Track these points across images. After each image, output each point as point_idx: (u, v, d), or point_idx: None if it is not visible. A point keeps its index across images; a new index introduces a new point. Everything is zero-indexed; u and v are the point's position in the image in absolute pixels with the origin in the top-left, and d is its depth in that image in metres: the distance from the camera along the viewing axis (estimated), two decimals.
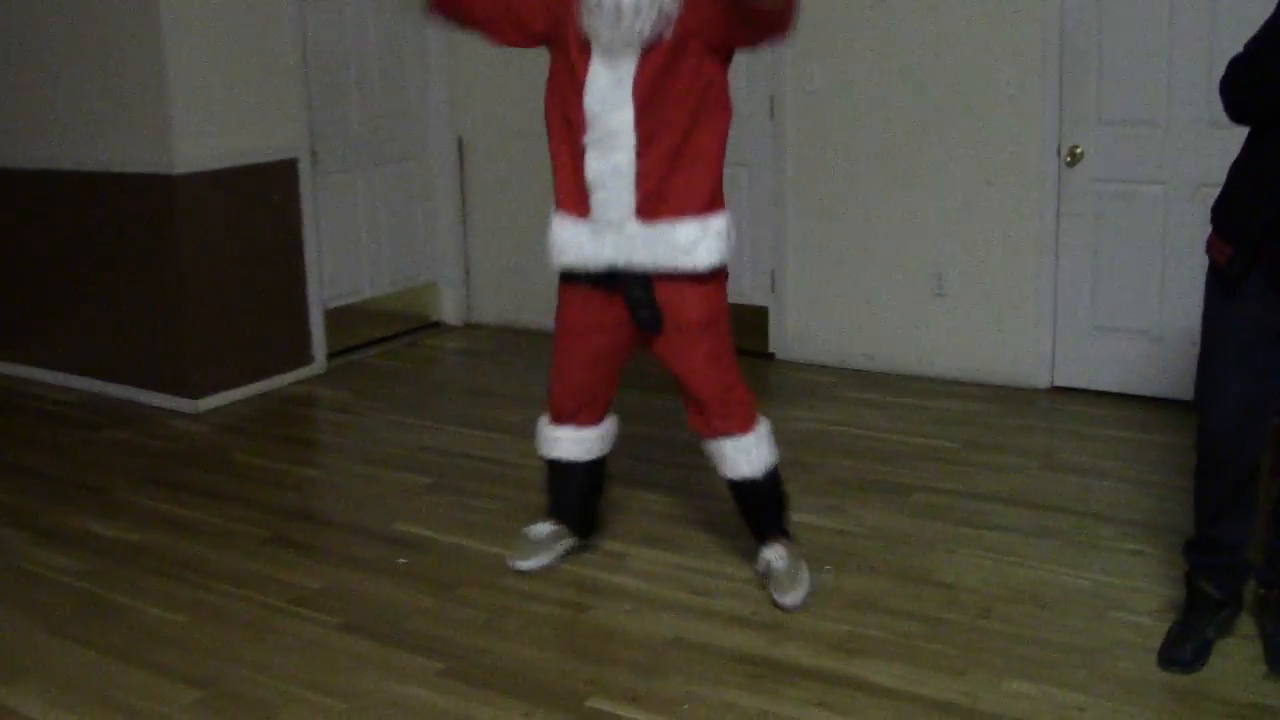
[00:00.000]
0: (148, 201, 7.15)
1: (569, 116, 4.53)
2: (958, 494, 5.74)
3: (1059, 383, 7.19)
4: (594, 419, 4.96)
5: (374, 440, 6.75)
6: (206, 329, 7.24)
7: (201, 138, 7.10)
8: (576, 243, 4.60)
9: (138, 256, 7.29)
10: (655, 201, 4.47)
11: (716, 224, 4.56)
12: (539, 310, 7.93)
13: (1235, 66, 3.95)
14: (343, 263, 8.24)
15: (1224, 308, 4.15)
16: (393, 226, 8.65)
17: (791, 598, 4.71)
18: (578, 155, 4.53)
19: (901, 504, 5.64)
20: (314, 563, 5.22)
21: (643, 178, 4.44)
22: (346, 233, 8.27)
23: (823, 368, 7.78)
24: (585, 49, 4.45)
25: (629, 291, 4.56)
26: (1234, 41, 4.11)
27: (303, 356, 7.84)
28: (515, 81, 8.07)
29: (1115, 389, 7.04)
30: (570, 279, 4.71)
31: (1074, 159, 6.91)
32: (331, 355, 8.08)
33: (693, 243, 4.50)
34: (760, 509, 4.88)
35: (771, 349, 8.06)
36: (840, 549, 5.18)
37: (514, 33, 4.69)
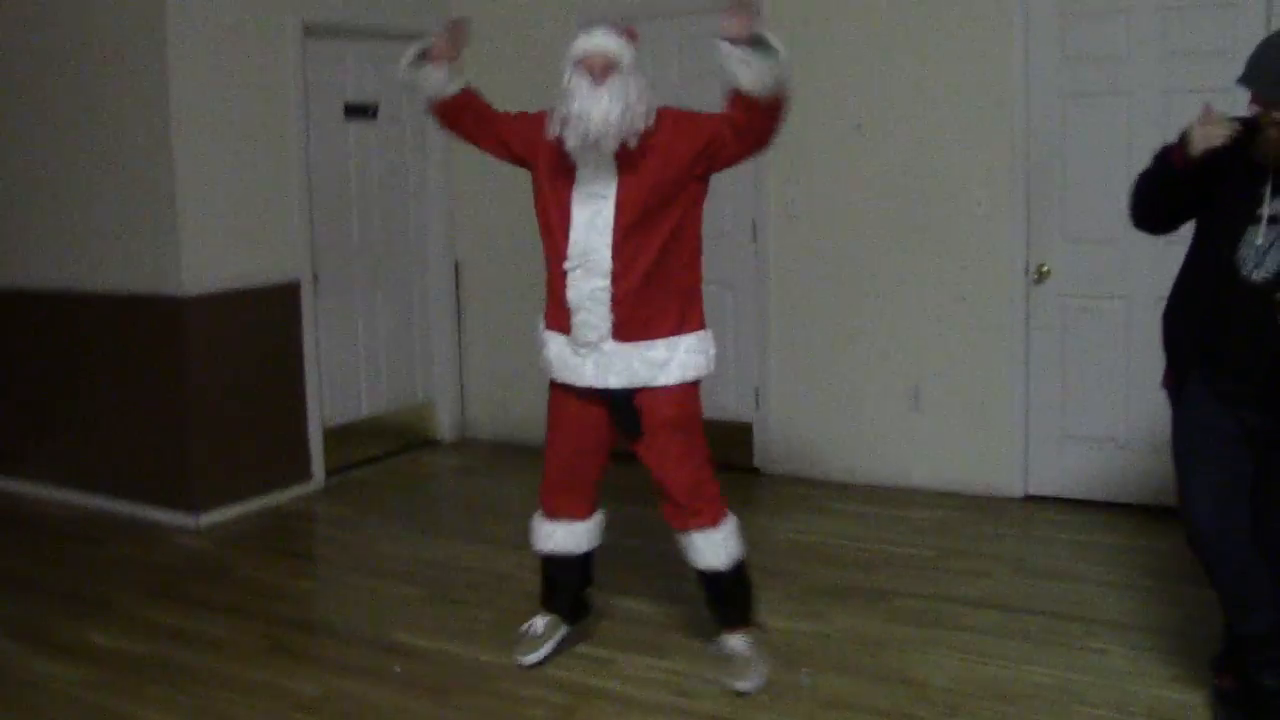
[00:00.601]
0: (156, 322, 7.38)
1: (554, 242, 4.84)
2: (933, 598, 5.92)
3: (1032, 491, 7.40)
4: (584, 512, 5.22)
5: (371, 553, 6.92)
6: (209, 446, 7.43)
7: (209, 261, 7.35)
8: (561, 359, 4.94)
9: (144, 375, 7.50)
10: (630, 323, 4.77)
11: (686, 343, 4.87)
12: (532, 427, 8.12)
13: (1134, 183, 4.43)
14: (342, 382, 8.45)
15: (1182, 419, 4.48)
16: (390, 347, 8.87)
17: (748, 683, 4.96)
18: (561, 278, 4.82)
19: (878, 609, 5.82)
20: (313, 670, 5.38)
21: (619, 302, 4.74)
22: (346, 352, 8.49)
23: (805, 480, 7.97)
24: (567, 178, 4.78)
25: (612, 401, 4.90)
26: None
27: (302, 473, 8.03)
28: (511, 207, 8.29)
29: (1085, 496, 7.25)
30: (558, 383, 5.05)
31: (1041, 276, 7.19)
32: (330, 472, 8.26)
33: (664, 362, 4.83)
34: (726, 598, 5.14)
35: (756, 464, 8.25)
36: (818, 652, 5.36)
37: (498, 148, 5.13)
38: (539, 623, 5.34)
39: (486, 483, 8.36)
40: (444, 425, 9.31)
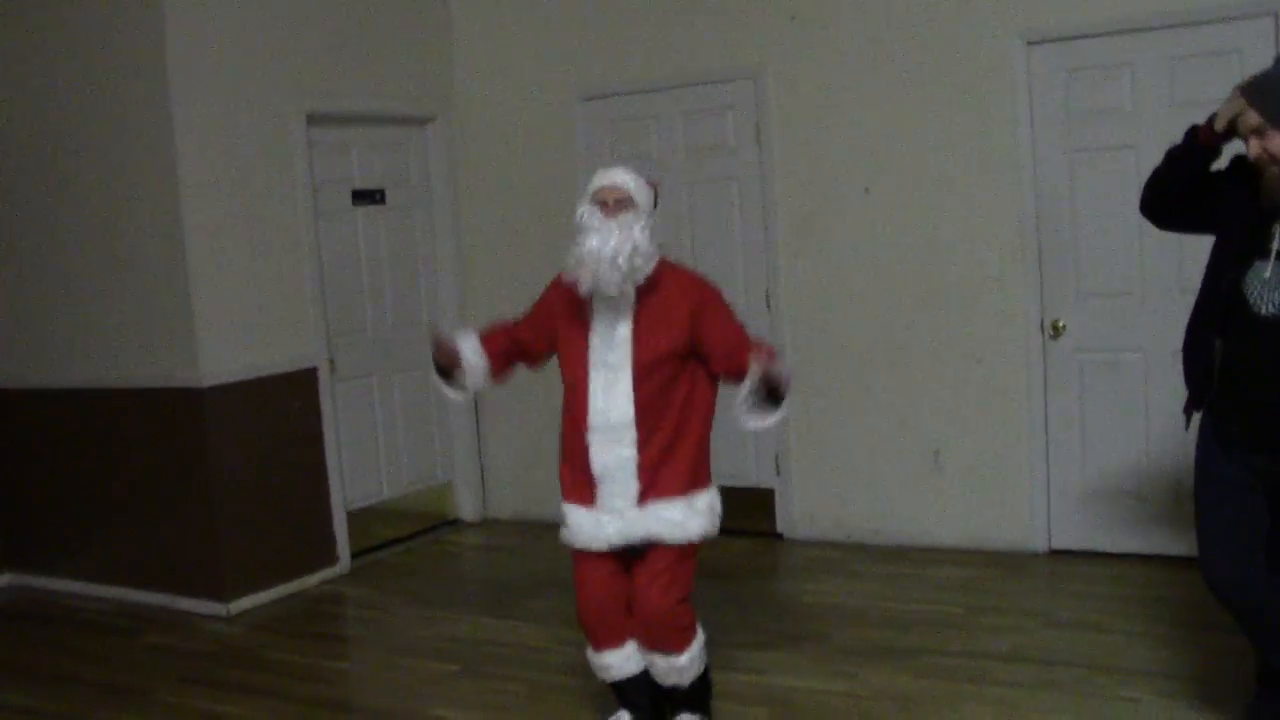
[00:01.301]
0: (176, 414, 7.45)
1: (574, 414, 4.94)
2: (962, 654, 5.96)
3: (1056, 546, 7.43)
4: (626, 636, 5.13)
5: (401, 633, 6.97)
6: (235, 534, 7.48)
7: (226, 351, 7.43)
8: (582, 529, 4.98)
9: (167, 467, 7.56)
10: (654, 489, 4.87)
11: (701, 501, 4.97)
12: (552, 503, 8.10)
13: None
14: (362, 465, 8.50)
15: (1200, 467, 4.54)
16: (409, 429, 8.92)
17: None
18: (582, 449, 4.91)
19: (908, 666, 5.85)
20: None
21: (644, 469, 4.83)
22: (365, 436, 8.55)
23: (829, 544, 8.00)
24: (583, 339, 4.91)
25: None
26: None
27: (328, 557, 8.08)
28: (524, 290, 8.38)
29: (1109, 549, 7.27)
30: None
31: (1057, 332, 7.25)
32: (355, 555, 8.30)
33: (683, 520, 4.90)
34: (679, 702, 5.19)
35: (779, 529, 8.28)
36: (852, 712, 5.40)
37: (540, 356, 5.30)
38: (624, 716, 5.27)
39: (511, 559, 8.40)
40: (465, 504, 9.34)
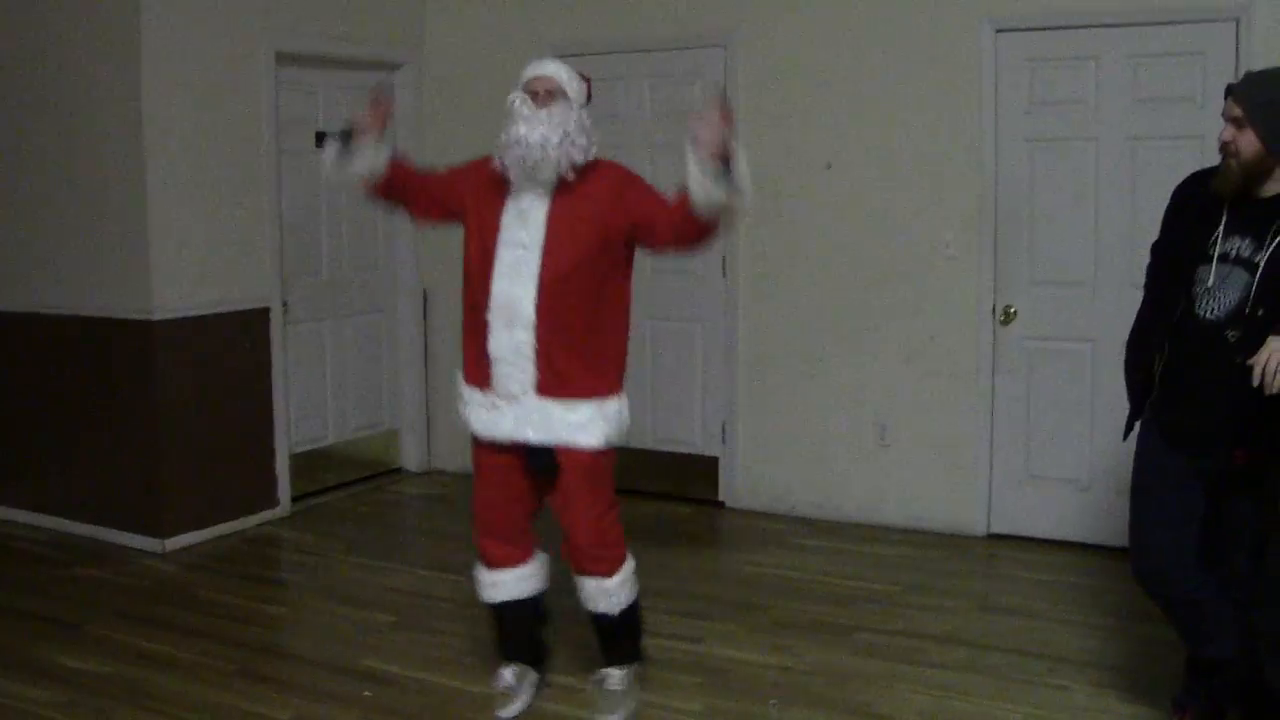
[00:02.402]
0: (125, 346, 7.39)
1: (475, 292, 4.81)
2: (898, 634, 5.99)
3: (995, 530, 7.48)
4: (524, 557, 5.14)
5: (338, 580, 6.95)
6: (176, 470, 7.44)
7: (179, 286, 7.37)
8: (478, 415, 4.89)
9: (113, 399, 7.51)
10: (555, 380, 4.72)
11: (609, 407, 4.83)
12: None
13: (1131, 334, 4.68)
14: (309, 409, 8.48)
15: (1138, 458, 4.59)
16: (358, 375, 8.90)
17: (614, 717, 5.04)
18: (482, 329, 4.79)
19: (844, 643, 5.88)
20: (282, 695, 5.40)
21: (543, 356, 4.70)
22: (313, 380, 8.52)
23: (771, 515, 8.02)
24: (494, 223, 4.77)
25: (529, 450, 4.85)
26: (1155, 206, 4.63)
27: (269, 499, 8.04)
28: None
29: (1048, 535, 7.33)
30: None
31: (1008, 318, 7.28)
32: (296, 499, 8.28)
33: (585, 423, 4.77)
34: (612, 640, 5.15)
35: (721, 498, 8.30)
36: (786, 685, 5.41)
37: (433, 209, 5.10)
38: (507, 675, 5.23)
39: (453, 512, 8.34)
40: (411, 454, 9.33)
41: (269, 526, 7.94)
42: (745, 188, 4.41)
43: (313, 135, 8.24)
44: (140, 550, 7.41)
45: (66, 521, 7.81)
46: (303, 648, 6.05)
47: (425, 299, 9.13)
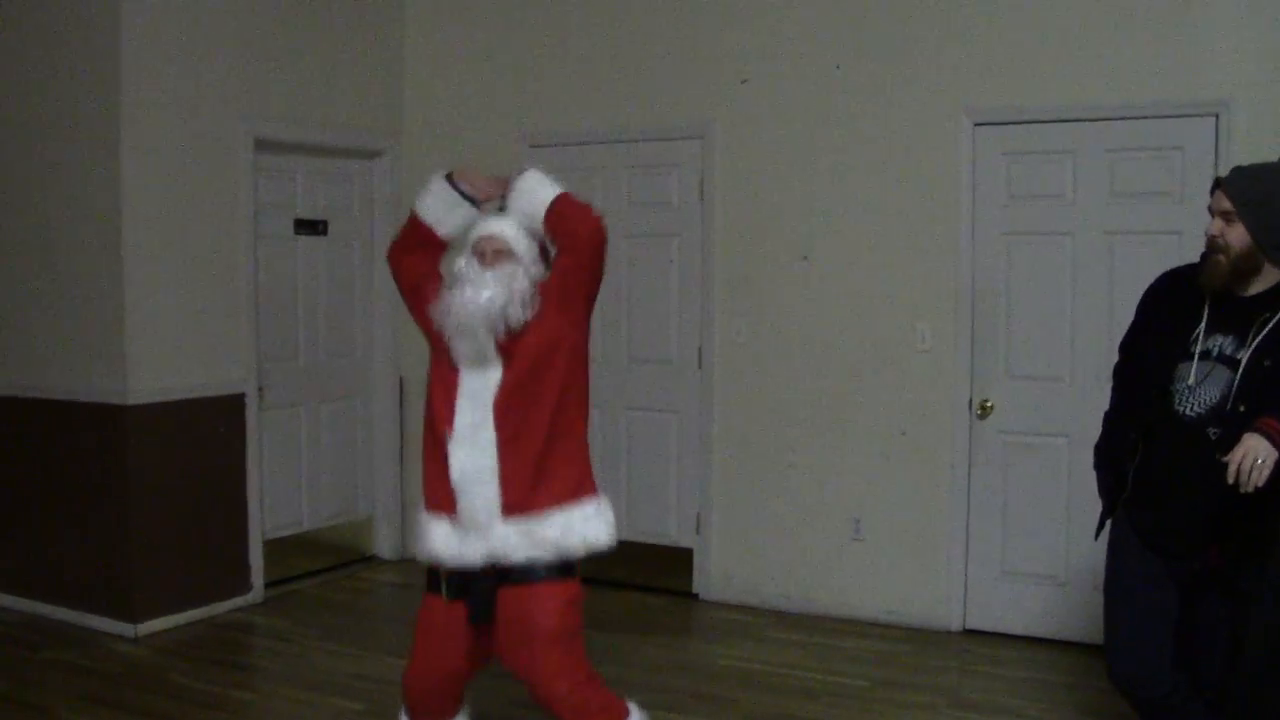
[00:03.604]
0: (99, 430, 7.38)
1: (436, 417, 4.65)
2: None
3: (970, 625, 7.46)
4: (448, 714, 4.83)
5: (309, 667, 6.91)
6: (149, 554, 7.40)
7: (155, 370, 7.37)
8: (446, 543, 4.60)
9: (85, 482, 7.48)
10: (521, 499, 4.49)
11: (581, 513, 4.58)
12: None
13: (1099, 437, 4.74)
14: (284, 495, 8.45)
15: (1111, 558, 4.59)
16: (333, 461, 8.88)
17: None
18: (444, 457, 4.60)
19: None
20: None
21: (507, 479, 4.49)
22: (288, 466, 8.50)
23: (745, 608, 8.00)
24: (453, 358, 4.60)
25: (473, 585, 4.55)
26: (1132, 300, 4.67)
27: (242, 584, 8.00)
28: None
29: (1024, 632, 7.31)
30: (430, 587, 4.74)
31: (984, 412, 7.30)
32: (270, 584, 8.24)
33: (561, 534, 4.52)
34: None
35: (695, 589, 8.28)
36: None
37: (416, 295, 4.81)
38: None
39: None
40: (384, 541, 9.29)
41: (241, 612, 7.88)
42: (533, 183, 4.58)
43: (291, 221, 8.28)
44: (112, 634, 7.36)
45: (38, 604, 7.75)
46: None
47: (401, 386, 9.13)
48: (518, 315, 4.48)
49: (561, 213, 4.53)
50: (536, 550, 4.51)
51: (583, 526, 4.57)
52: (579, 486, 4.61)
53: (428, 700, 4.77)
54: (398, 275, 4.91)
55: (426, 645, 4.72)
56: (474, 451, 4.51)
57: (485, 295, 4.45)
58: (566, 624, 4.55)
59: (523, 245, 4.61)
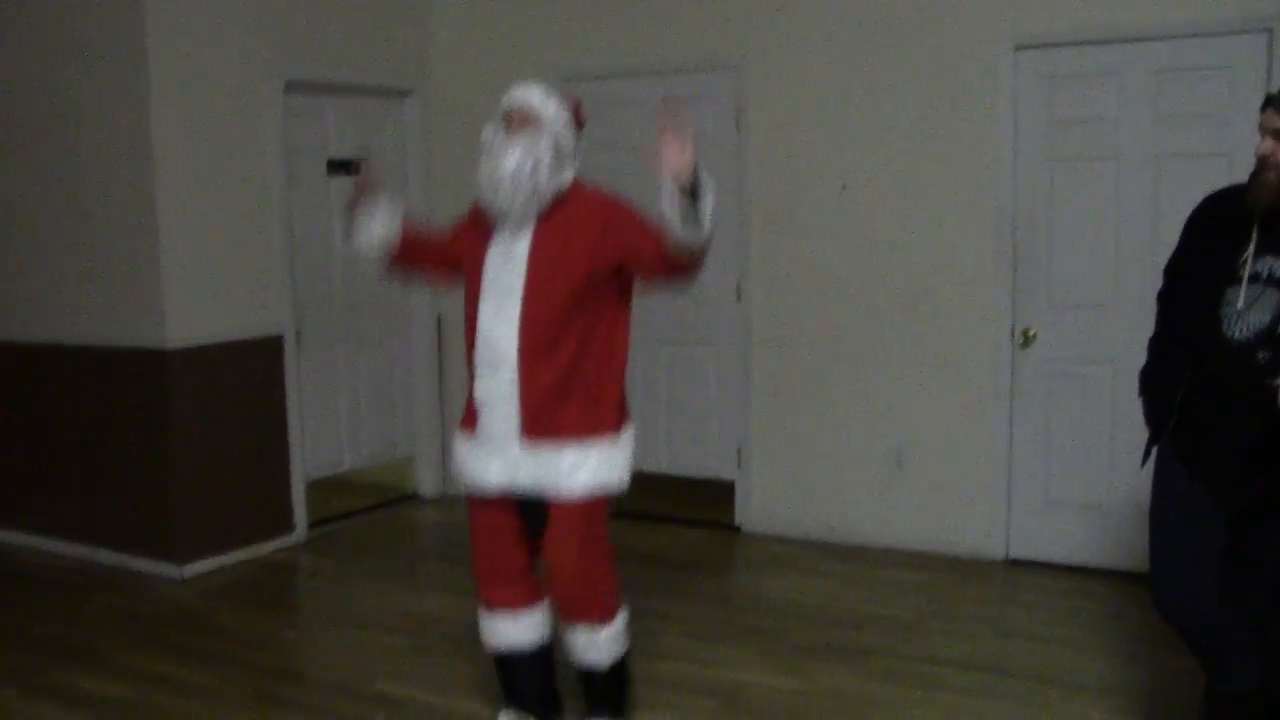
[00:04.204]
0: (140, 375, 7.41)
1: (468, 334, 4.71)
2: (913, 659, 5.96)
3: (1014, 555, 7.44)
4: (525, 601, 4.95)
5: (354, 605, 6.94)
6: (193, 498, 7.46)
7: (193, 315, 7.40)
8: (466, 463, 4.75)
9: (128, 428, 7.53)
10: (540, 424, 4.55)
11: (599, 448, 4.63)
12: None
13: (1145, 364, 4.62)
14: (324, 436, 8.48)
15: (1157, 486, 4.53)
16: (373, 402, 8.89)
17: None
18: (470, 373, 4.69)
19: (859, 668, 5.85)
20: (297, 718, 5.40)
21: (527, 400, 4.54)
22: (328, 407, 8.52)
23: (787, 540, 7.99)
24: (480, 270, 4.63)
25: (521, 500, 4.71)
26: (1178, 226, 4.57)
27: (285, 525, 8.05)
28: None
29: (1067, 561, 7.28)
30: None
31: (1026, 341, 7.24)
32: (312, 524, 8.29)
33: (572, 469, 4.59)
34: (599, 693, 4.96)
35: (738, 522, 8.28)
36: (800, 710, 5.39)
37: (445, 268, 4.99)
38: (508, 718, 5.11)
39: (467, 537, 8.31)
40: (426, 480, 9.31)
41: (285, 553, 7.94)
42: (708, 224, 4.30)
43: (323, 163, 8.27)
44: (158, 577, 7.43)
45: (86, 548, 7.83)
46: (318, 672, 6.04)
47: (439, 325, 9.13)
48: (546, 179, 4.50)
49: (690, 262, 4.43)
50: (546, 480, 4.58)
51: (596, 465, 4.62)
52: (600, 420, 4.64)
53: (496, 587, 4.92)
54: (422, 273, 5.13)
55: (479, 527, 4.88)
56: (496, 370, 4.56)
57: (511, 161, 4.46)
58: (593, 509, 4.69)
59: (550, 111, 4.60)
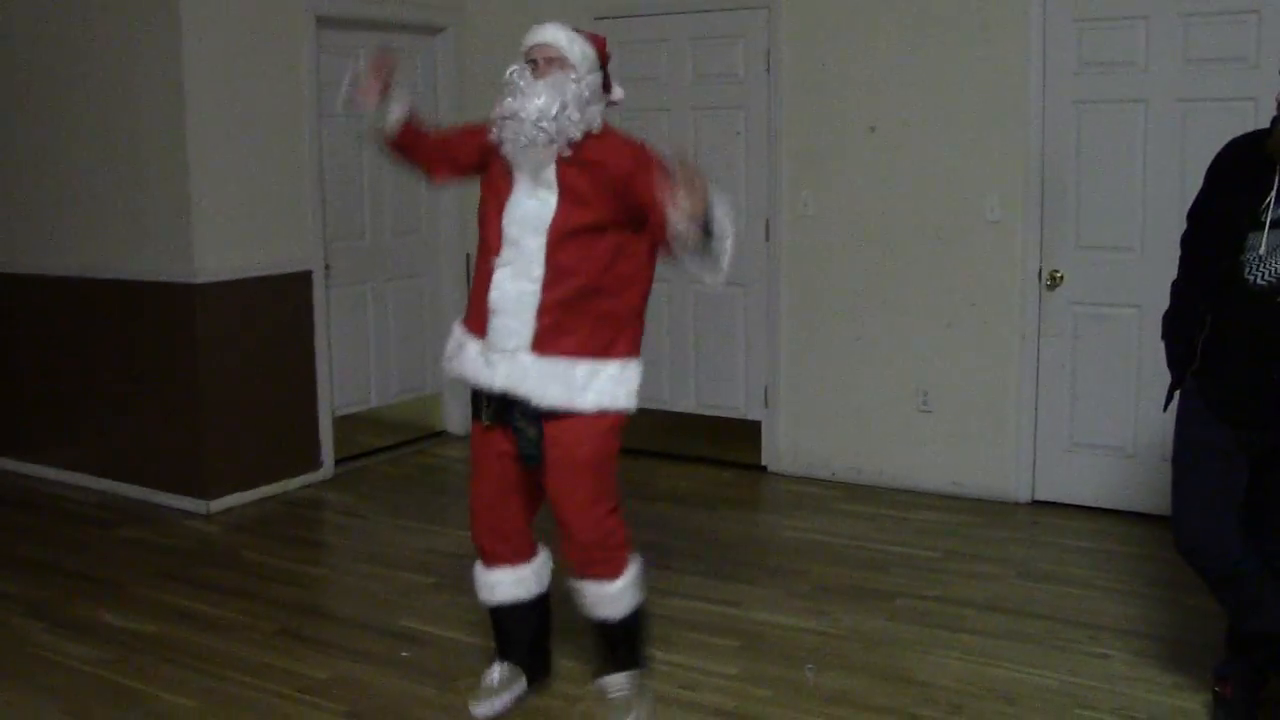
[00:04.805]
0: (169, 309, 7.44)
1: (488, 239, 4.57)
2: (936, 600, 5.97)
3: (1039, 497, 7.43)
4: (522, 555, 4.89)
5: (379, 542, 6.98)
6: (220, 433, 7.49)
7: (221, 249, 7.40)
8: (472, 363, 4.65)
9: (156, 362, 7.56)
10: (553, 337, 4.47)
11: (611, 369, 4.54)
12: None
13: (1168, 308, 4.61)
14: (352, 372, 8.50)
15: (1180, 429, 4.52)
16: (401, 338, 8.91)
17: None
18: (487, 275, 4.56)
19: (882, 608, 5.87)
20: (321, 654, 5.44)
21: (544, 311, 4.45)
22: (356, 343, 8.54)
23: (813, 480, 8.02)
24: (510, 176, 4.52)
25: (514, 423, 4.57)
26: (1201, 170, 4.51)
27: (312, 461, 8.09)
28: None
29: (1092, 503, 7.28)
30: (475, 415, 4.76)
31: (1054, 282, 7.21)
32: (339, 461, 8.32)
33: (584, 383, 4.50)
34: (614, 646, 4.88)
35: (764, 462, 8.29)
36: (822, 649, 5.41)
37: (452, 170, 4.88)
38: (494, 673, 5.02)
39: None
40: (453, 417, 9.34)
41: (312, 489, 7.98)
42: (725, 264, 4.28)
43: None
44: (185, 511, 7.48)
45: (112, 483, 7.89)
46: (342, 609, 6.08)
47: (468, 262, 9.12)
48: (572, 123, 4.40)
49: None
50: (552, 392, 4.48)
51: (605, 384, 4.54)
52: (613, 344, 4.56)
53: (493, 539, 4.85)
54: (416, 165, 5.00)
55: (479, 476, 4.80)
56: (518, 276, 4.47)
57: (537, 103, 4.37)
58: (600, 453, 4.57)
59: (576, 53, 4.52)
